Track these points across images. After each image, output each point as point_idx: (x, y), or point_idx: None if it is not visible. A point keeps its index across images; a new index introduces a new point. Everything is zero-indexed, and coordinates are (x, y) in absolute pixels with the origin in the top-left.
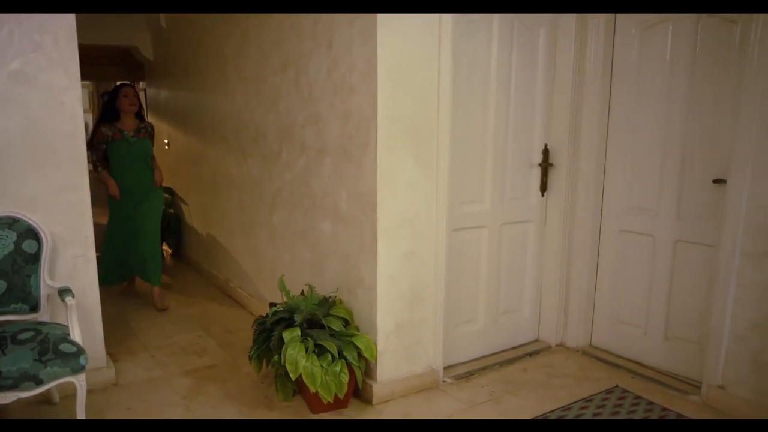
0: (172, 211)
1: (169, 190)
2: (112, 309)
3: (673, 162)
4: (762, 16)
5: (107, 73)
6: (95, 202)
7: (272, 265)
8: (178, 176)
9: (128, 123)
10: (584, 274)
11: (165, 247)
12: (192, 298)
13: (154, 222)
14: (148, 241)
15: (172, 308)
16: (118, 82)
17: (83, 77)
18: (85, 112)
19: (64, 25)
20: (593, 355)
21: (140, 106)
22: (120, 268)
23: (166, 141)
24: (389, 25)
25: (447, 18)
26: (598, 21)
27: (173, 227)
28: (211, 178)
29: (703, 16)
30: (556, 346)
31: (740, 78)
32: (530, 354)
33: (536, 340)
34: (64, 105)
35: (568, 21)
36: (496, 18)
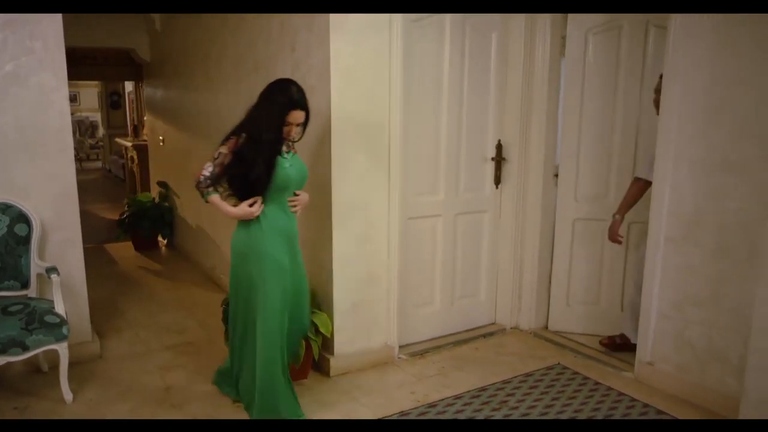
0: (166, 204)
1: (163, 184)
2: (103, 291)
3: (615, 156)
4: (681, 23)
5: (113, 73)
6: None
7: None
8: (172, 170)
9: None
10: (536, 261)
11: (161, 238)
12: (180, 283)
13: (306, 292)
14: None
15: (160, 292)
16: (281, 79)
17: (91, 77)
18: (94, 111)
19: (52, 32)
20: (544, 336)
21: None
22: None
23: (161, 137)
24: (342, 29)
25: (397, 23)
26: (545, 25)
27: (167, 219)
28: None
29: (633, 23)
30: (511, 328)
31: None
32: (484, 335)
33: (492, 323)
34: (53, 104)
35: (518, 25)
36: (447, 22)
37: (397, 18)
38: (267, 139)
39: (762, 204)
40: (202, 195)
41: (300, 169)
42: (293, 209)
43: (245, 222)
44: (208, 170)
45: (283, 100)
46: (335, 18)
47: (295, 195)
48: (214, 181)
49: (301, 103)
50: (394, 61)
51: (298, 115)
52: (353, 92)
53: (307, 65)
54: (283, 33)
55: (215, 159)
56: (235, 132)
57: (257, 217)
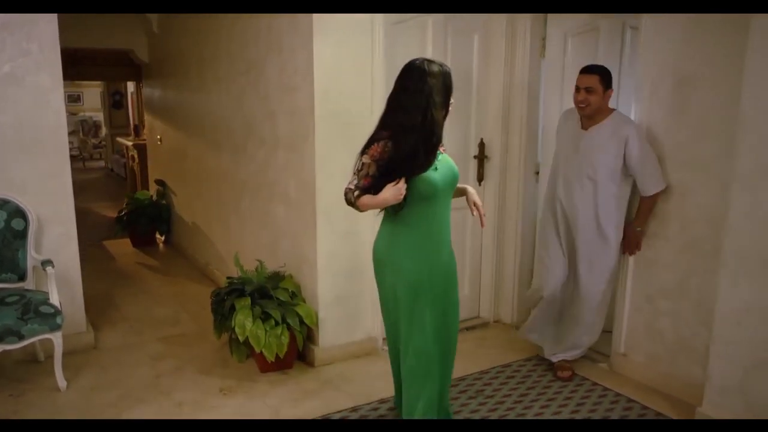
0: (164, 202)
1: (161, 182)
2: (101, 286)
3: None
4: (648, 22)
5: (114, 73)
6: None
7: (240, 247)
8: (169, 169)
9: None
10: (518, 256)
11: (158, 235)
12: (175, 278)
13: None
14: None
15: (156, 287)
16: (415, 59)
17: (92, 77)
18: (97, 111)
19: (48, 34)
20: None
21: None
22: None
23: (158, 137)
24: (324, 31)
25: (379, 25)
26: (525, 28)
27: (164, 217)
28: (195, 170)
29: (610, 25)
30: (494, 322)
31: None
32: (468, 328)
33: (477, 317)
34: (49, 103)
35: (499, 28)
36: (429, 24)
37: (379, 20)
38: (432, 124)
39: (724, 200)
40: (353, 204)
41: (446, 173)
42: (482, 224)
43: (385, 232)
44: (352, 183)
45: (441, 68)
46: (318, 21)
47: (475, 206)
48: (363, 191)
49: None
50: (376, 61)
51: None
52: (336, 92)
53: (293, 66)
54: (271, 35)
55: (359, 171)
56: (376, 137)
57: (391, 226)
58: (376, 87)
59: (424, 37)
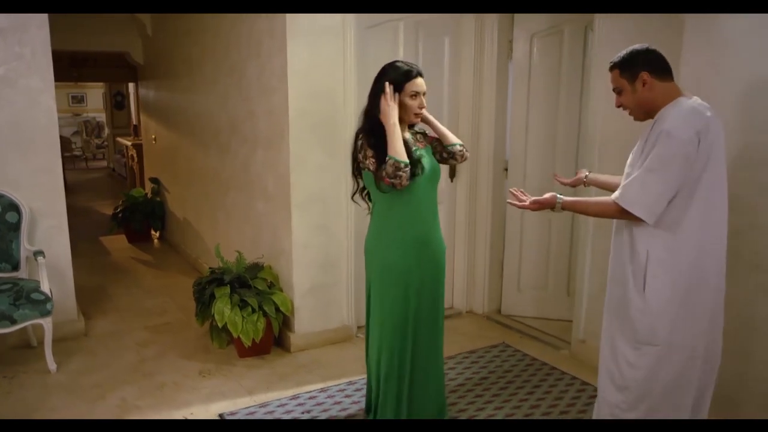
0: (158, 199)
1: (155, 180)
2: (95, 279)
3: (559, 150)
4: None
5: (114, 75)
6: None
7: (226, 241)
8: (163, 168)
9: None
10: (488, 249)
11: (153, 231)
12: (167, 272)
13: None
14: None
15: (147, 280)
16: (403, 66)
17: (93, 79)
18: (100, 111)
19: (39, 40)
20: (495, 319)
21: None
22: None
23: (153, 136)
24: (298, 35)
25: (351, 29)
26: (493, 30)
27: (158, 214)
28: (186, 168)
29: (573, 27)
30: (466, 312)
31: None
32: None
33: (450, 308)
34: (41, 104)
35: (468, 30)
36: (401, 28)
37: (351, 24)
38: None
39: None
40: (391, 177)
41: (429, 165)
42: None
43: (372, 225)
44: (383, 173)
45: (397, 72)
46: (292, 25)
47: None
48: (377, 163)
49: (418, 70)
50: (348, 64)
51: (419, 83)
52: (309, 93)
53: (270, 68)
54: (251, 39)
55: (364, 162)
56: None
57: (379, 221)
58: (348, 88)
59: (396, 40)
